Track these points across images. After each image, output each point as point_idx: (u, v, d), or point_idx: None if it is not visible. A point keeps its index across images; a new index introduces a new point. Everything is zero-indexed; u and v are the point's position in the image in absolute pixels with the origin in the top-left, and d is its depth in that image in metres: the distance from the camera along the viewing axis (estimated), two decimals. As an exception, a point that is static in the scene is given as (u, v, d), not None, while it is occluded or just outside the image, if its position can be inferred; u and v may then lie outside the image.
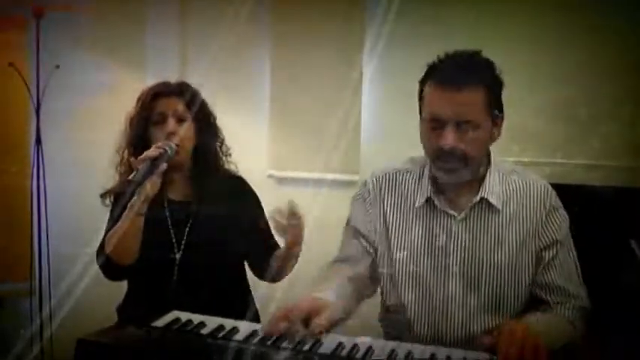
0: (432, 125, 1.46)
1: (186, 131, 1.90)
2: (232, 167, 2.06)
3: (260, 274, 2.02)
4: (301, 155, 3.44)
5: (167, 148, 1.78)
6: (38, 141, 3.02)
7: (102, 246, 1.87)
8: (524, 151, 2.73)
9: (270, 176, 3.46)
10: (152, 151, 1.76)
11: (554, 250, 1.54)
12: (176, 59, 3.57)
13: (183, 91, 1.93)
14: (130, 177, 1.70)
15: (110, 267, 1.86)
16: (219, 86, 3.38)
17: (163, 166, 1.76)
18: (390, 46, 2.93)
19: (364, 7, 3.18)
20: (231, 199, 1.99)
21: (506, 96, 1.53)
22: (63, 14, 3.20)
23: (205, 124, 1.97)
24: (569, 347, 1.45)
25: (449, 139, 1.43)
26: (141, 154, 1.77)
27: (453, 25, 2.83)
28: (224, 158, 2.04)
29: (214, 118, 2.02)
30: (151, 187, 1.76)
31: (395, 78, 2.94)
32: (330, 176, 3.13)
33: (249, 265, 2.06)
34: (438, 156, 1.47)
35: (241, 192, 2.05)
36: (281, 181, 3.45)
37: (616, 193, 2.64)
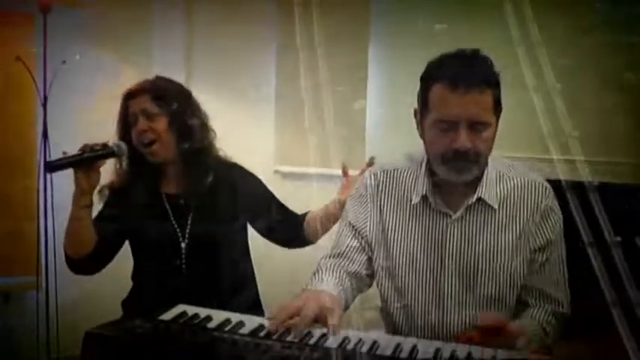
0: (442, 127, 1.43)
1: (158, 126, 1.90)
2: (222, 153, 2.04)
3: (288, 244, 2.10)
4: (307, 151, 3.44)
5: (113, 147, 1.86)
6: (45, 135, 3.02)
7: None
8: (533, 147, 2.73)
9: (277, 172, 3.47)
10: (84, 145, 1.81)
11: (547, 252, 1.54)
12: (182, 54, 3.57)
13: (151, 88, 1.93)
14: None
15: (68, 261, 1.93)
16: (225, 83, 3.39)
17: (100, 162, 1.83)
18: (396, 42, 2.93)
19: (369, 2, 3.18)
20: (229, 185, 1.98)
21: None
22: (70, 9, 3.21)
23: (182, 115, 1.94)
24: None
25: (464, 140, 1.41)
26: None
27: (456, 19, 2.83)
28: (213, 146, 2.02)
29: (197, 109, 2.00)
30: (86, 180, 1.81)
31: (400, 74, 2.94)
32: (335, 172, 3.13)
33: (275, 240, 2.09)
34: (449, 157, 1.44)
35: (239, 176, 2.04)
36: (287, 176, 3.46)
37: (620, 190, 2.64)
